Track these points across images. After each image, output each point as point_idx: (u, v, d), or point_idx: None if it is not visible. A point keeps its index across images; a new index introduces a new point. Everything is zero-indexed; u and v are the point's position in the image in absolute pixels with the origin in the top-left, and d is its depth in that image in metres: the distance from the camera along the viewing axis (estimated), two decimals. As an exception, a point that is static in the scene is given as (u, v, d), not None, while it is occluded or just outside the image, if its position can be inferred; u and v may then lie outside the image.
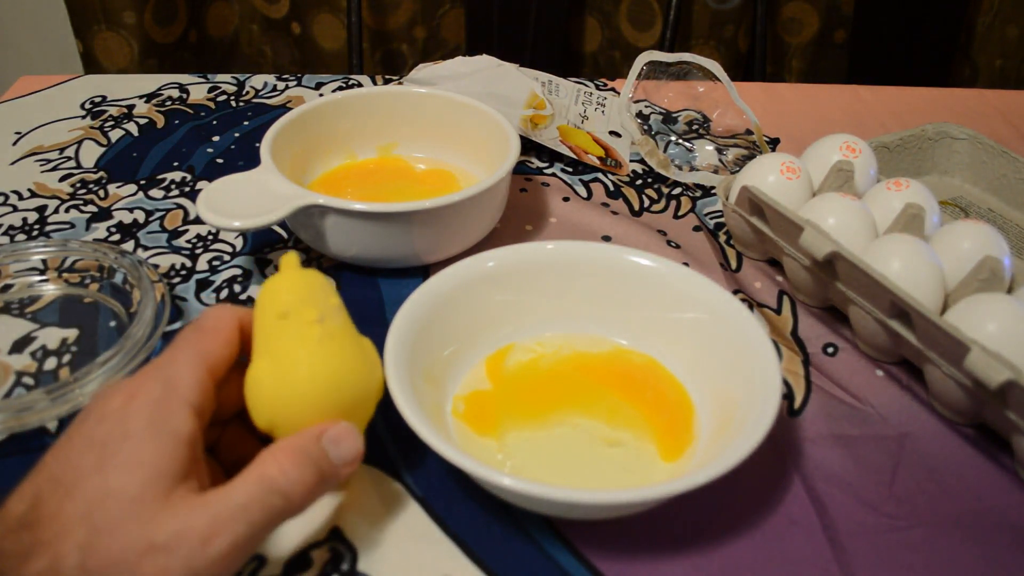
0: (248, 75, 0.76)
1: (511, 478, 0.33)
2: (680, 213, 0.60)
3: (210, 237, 0.56)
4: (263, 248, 0.55)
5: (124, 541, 0.28)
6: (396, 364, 0.38)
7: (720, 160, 0.64)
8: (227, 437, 0.36)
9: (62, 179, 0.61)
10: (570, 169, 0.64)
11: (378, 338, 0.43)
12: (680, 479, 0.34)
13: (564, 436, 0.41)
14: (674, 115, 0.70)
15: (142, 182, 0.61)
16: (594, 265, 0.45)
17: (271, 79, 0.75)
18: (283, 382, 0.33)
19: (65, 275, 0.50)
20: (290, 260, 0.35)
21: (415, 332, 0.40)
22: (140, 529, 0.28)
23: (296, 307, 0.34)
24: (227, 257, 0.54)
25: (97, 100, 0.71)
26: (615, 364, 0.45)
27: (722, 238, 0.57)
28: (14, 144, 0.65)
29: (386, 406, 0.37)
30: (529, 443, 0.40)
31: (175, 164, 0.63)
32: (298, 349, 0.34)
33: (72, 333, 0.47)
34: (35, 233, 0.55)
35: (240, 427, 0.37)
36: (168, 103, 0.71)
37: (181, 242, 0.55)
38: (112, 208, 0.58)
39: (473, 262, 0.44)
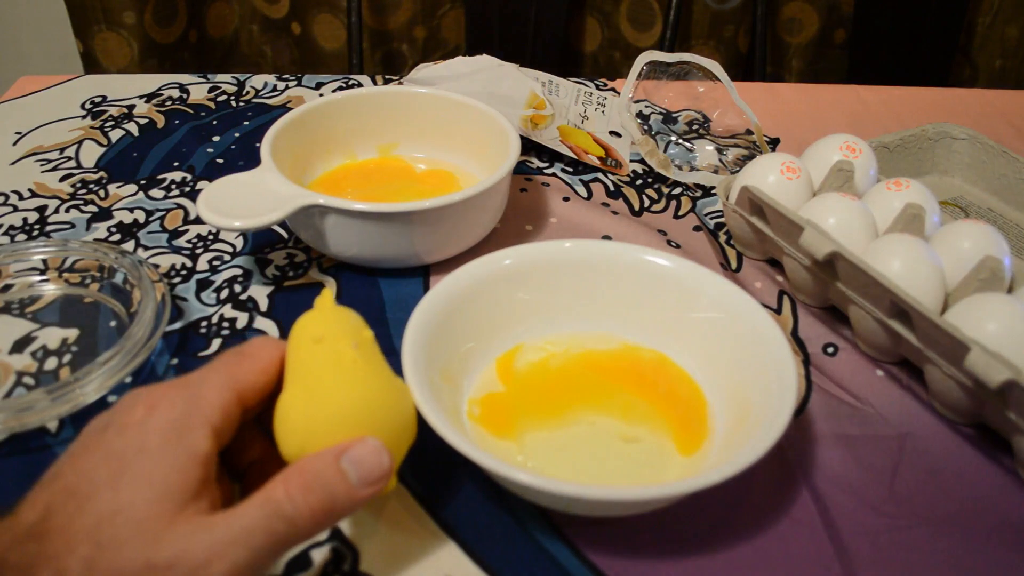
0: (248, 75, 0.76)
1: (542, 478, 0.33)
2: (680, 213, 0.60)
3: (210, 237, 0.56)
4: (263, 248, 0.55)
5: (125, 559, 0.28)
6: (414, 360, 0.38)
7: (720, 160, 0.64)
8: (239, 439, 0.36)
9: (62, 179, 0.61)
10: (570, 169, 0.64)
11: (379, 338, 0.43)
12: (702, 476, 0.34)
13: (582, 435, 0.41)
14: (674, 115, 0.70)
15: (142, 182, 0.61)
16: (610, 264, 0.46)
17: (271, 79, 0.75)
18: (314, 406, 0.33)
19: (65, 275, 0.50)
20: (325, 297, 0.35)
21: (433, 329, 0.40)
22: (142, 548, 0.28)
23: (331, 334, 0.34)
24: (227, 257, 0.54)
25: (97, 100, 0.71)
26: (625, 360, 0.45)
27: (722, 238, 0.57)
28: (14, 144, 0.65)
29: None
30: (548, 443, 0.40)
31: (175, 164, 0.63)
32: (331, 372, 0.33)
33: (72, 333, 0.47)
34: (35, 233, 0.55)
35: (253, 429, 0.36)
36: (168, 103, 0.71)
37: (181, 242, 0.55)
38: (112, 208, 0.58)
39: (490, 259, 0.44)
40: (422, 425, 0.35)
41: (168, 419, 0.30)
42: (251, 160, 0.63)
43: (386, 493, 0.34)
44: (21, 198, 0.59)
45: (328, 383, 0.33)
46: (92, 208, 0.58)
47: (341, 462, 0.31)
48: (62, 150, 0.64)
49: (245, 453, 0.36)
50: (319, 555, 0.36)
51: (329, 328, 0.34)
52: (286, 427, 0.33)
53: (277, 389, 0.34)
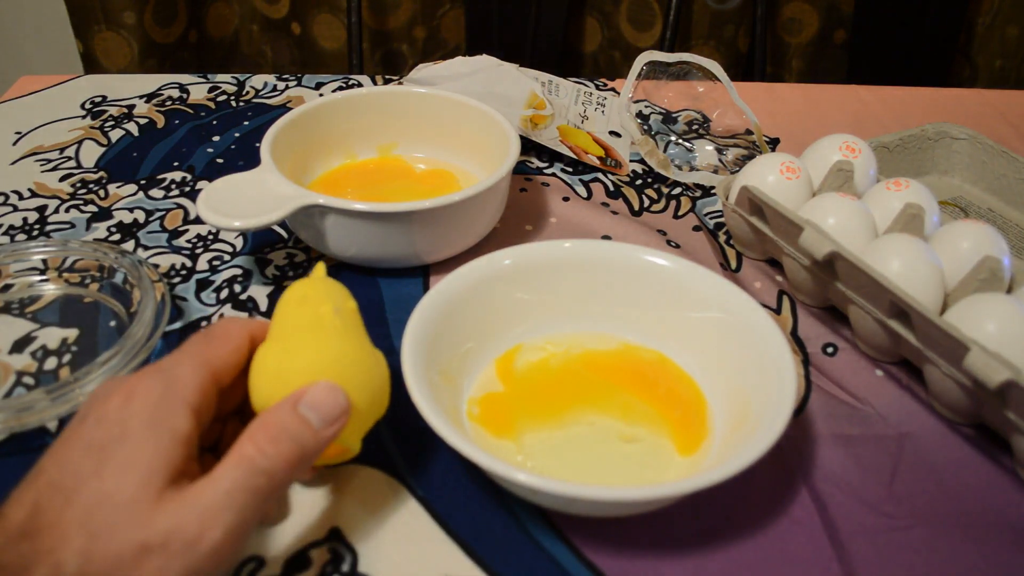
0: (248, 75, 0.76)
1: (542, 478, 0.33)
2: (680, 213, 0.60)
3: (210, 237, 0.56)
4: (263, 248, 0.55)
5: (119, 544, 0.28)
6: (414, 360, 0.38)
7: (720, 160, 0.64)
8: (228, 437, 0.36)
9: (62, 179, 0.61)
10: (570, 169, 0.64)
11: (378, 338, 0.43)
12: (702, 475, 0.34)
13: (581, 435, 0.41)
14: (674, 115, 0.70)
15: (142, 182, 0.61)
16: (610, 264, 0.46)
17: (271, 79, 0.75)
18: (287, 358, 0.34)
19: (65, 275, 0.50)
20: (318, 269, 0.38)
21: (433, 329, 0.40)
22: (134, 531, 0.28)
23: (315, 297, 0.36)
24: (227, 257, 0.54)
25: (97, 100, 0.71)
26: (625, 361, 0.45)
27: (722, 238, 0.57)
28: (14, 144, 0.65)
29: (392, 404, 0.37)
30: (547, 443, 0.40)
31: (175, 164, 0.63)
32: (309, 329, 0.35)
33: (72, 333, 0.47)
34: (35, 233, 0.55)
35: (241, 427, 0.37)
36: (168, 103, 0.71)
37: (181, 242, 0.55)
38: (112, 208, 0.58)
39: (490, 259, 0.44)
40: (422, 425, 0.36)
41: (146, 404, 0.31)
42: (251, 160, 0.63)
43: (350, 455, 0.37)
44: (21, 198, 0.59)
45: (305, 338, 0.34)
46: (92, 208, 0.58)
47: (299, 408, 0.32)
48: (62, 150, 0.64)
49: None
50: (318, 555, 0.36)
51: (315, 292, 0.36)
52: (259, 376, 0.34)
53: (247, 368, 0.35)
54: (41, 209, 0.58)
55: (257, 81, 0.75)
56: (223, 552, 0.29)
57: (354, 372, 0.35)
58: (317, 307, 0.35)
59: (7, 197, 0.59)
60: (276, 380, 0.34)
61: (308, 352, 0.34)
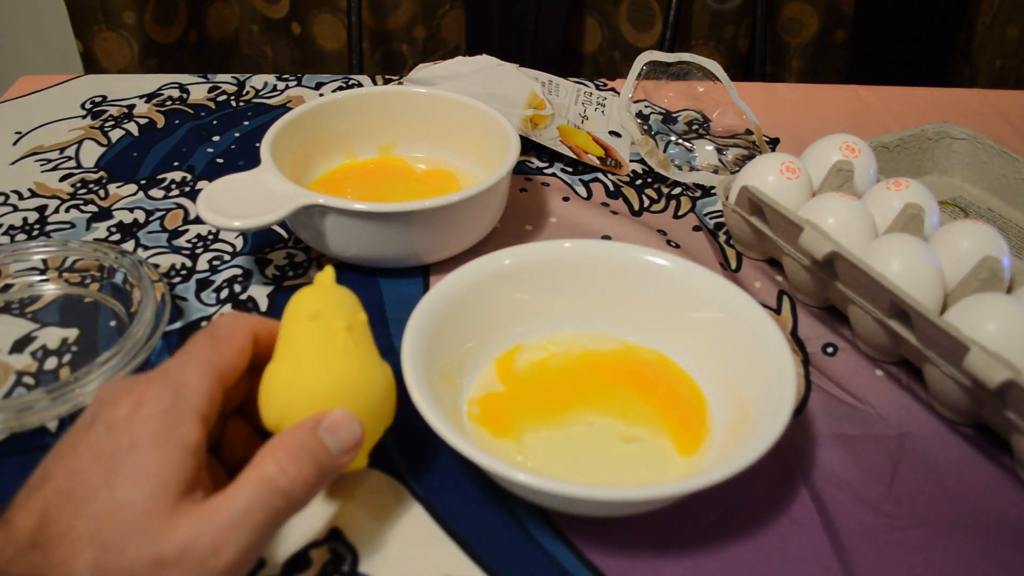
0: (248, 75, 0.76)
1: (542, 478, 0.33)
2: (680, 213, 0.60)
3: (210, 237, 0.56)
4: (263, 248, 0.55)
5: (132, 558, 0.28)
6: (414, 360, 0.38)
7: (720, 160, 0.64)
8: (229, 435, 0.36)
9: (62, 179, 0.61)
10: (570, 169, 0.64)
11: (378, 338, 0.43)
12: (702, 475, 0.34)
13: (581, 435, 0.41)
14: (674, 115, 0.70)
15: (142, 182, 0.61)
16: (610, 264, 0.46)
17: (271, 79, 0.75)
18: (300, 379, 0.34)
19: (65, 275, 0.50)
20: (327, 274, 0.37)
21: (433, 329, 0.40)
22: (148, 545, 0.28)
23: (327, 312, 0.35)
24: (227, 257, 0.54)
25: (97, 100, 0.71)
26: (625, 361, 0.45)
27: (722, 238, 0.57)
28: (14, 144, 0.65)
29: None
30: (547, 443, 0.40)
31: (175, 164, 0.63)
32: (321, 350, 0.34)
33: (72, 333, 0.47)
34: (35, 233, 0.55)
35: (243, 424, 0.37)
36: (168, 103, 0.71)
37: (181, 242, 0.55)
38: (112, 208, 0.58)
39: (490, 259, 0.44)
40: (422, 425, 0.36)
41: (155, 412, 0.30)
42: (251, 160, 0.63)
43: (359, 469, 0.36)
44: (21, 198, 0.59)
45: (316, 359, 0.34)
46: (92, 208, 0.58)
47: (319, 432, 0.32)
48: (62, 150, 0.64)
49: (236, 450, 0.36)
50: (318, 556, 0.36)
51: (327, 306, 0.35)
52: (271, 396, 0.34)
53: (252, 365, 0.35)
54: (41, 209, 0.58)
55: (257, 81, 0.75)
56: (236, 570, 0.29)
57: (365, 394, 0.35)
58: (330, 323, 0.35)
59: (7, 197, 0.59)
60: (289, 402, 0.34)
61: (320, 375, 0.34)
